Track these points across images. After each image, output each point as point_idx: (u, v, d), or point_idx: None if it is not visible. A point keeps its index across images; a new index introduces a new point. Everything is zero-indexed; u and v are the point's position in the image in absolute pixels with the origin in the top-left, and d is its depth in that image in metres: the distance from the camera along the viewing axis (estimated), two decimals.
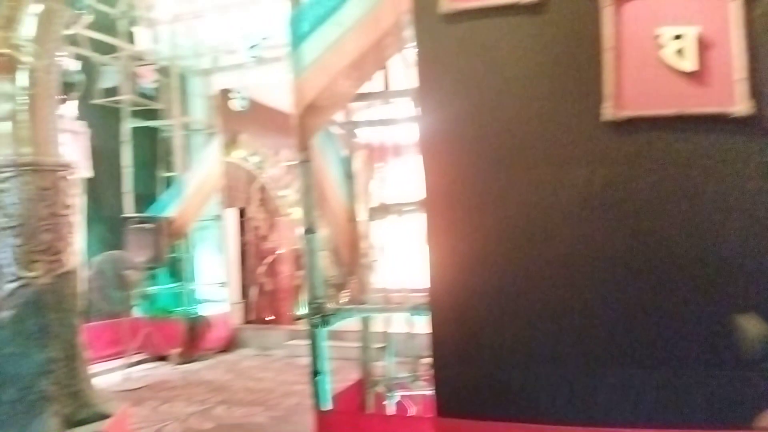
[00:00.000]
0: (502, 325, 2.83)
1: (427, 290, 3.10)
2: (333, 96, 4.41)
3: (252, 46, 7.95)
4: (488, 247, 2.90)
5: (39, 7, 4.59)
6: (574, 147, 2.73)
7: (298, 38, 4.36)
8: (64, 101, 5.31)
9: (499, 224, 2.88)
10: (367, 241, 4.96)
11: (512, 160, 2.85)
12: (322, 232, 4.93)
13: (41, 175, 4.64)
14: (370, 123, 5.05)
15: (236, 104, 8.87)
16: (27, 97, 4.57)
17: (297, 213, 12.39)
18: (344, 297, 5.22)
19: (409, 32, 4.07)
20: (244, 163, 11.01)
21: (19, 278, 4.51)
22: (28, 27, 4.46)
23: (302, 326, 9.11)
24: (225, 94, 9.50)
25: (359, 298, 4.89)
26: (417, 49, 3.13)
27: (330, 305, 4.23)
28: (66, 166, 4.84)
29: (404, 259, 5.30)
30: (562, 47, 2.77)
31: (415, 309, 3.50)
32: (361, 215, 5.00)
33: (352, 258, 4.98)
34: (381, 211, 4.86)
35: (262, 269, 11.19)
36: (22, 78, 4.49)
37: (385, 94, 4.89)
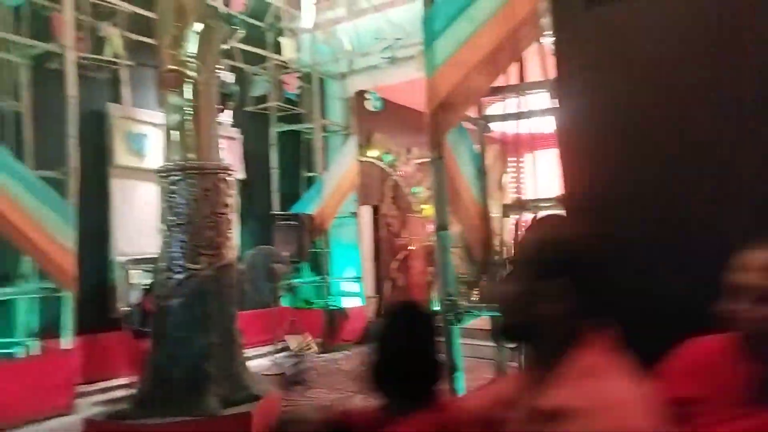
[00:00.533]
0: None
1: None
2: (466, 92, 4.37)
3: (386, 48, 8.15)
4: (632, 247, 2.69)
5: (200, 26, 5.14)
6: (719, 134, 2.43)
7: (431, 37, 4.38)
8: (222, 111, 5.87)
9: (642, 221, 2.65)
10: (500, 239, 4.86)
11: (656, 152, 2.60)
12: (455, 229, 4.93)
13: (205, 178, 5.19)
14: (504, 117, 4.92)
15: (371, 105, 9.15)
16: (192, 109, 5.14)
17: (429, 210, 12.51)
18: (477, 295, 5.16)
19: (546, 20, 3.90)
20: (377, 162, 11.32)
21: (186, 270, 5.10)
22: (191, 45, 5.02)
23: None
24: (361, 95, 9.84)
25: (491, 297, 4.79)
26: (555, 38, 2.97)
27: (463, 302, 4.22)
28: (225, 169, 5.37)
29: None
30: (709, 30, 2.48)
31: None
32: (495, 212, 4.91)
33: (485, 255, 4.90)
34: (515, 207, 4.73)
35: (394, 265, 11.45)
36: (188, 91, 5.06)
37: (520, 87, 4.74)
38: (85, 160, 6.56)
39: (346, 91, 10.14)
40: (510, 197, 5.11)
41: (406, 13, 8.56)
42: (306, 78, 9.47)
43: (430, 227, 12.51)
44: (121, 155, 7.52)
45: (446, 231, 4.31)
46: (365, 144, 10.89)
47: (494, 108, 5.05)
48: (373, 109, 9.40)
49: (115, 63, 7.06)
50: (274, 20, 9.36)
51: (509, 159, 5.85)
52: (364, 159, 10.71)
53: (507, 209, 4.70)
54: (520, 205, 4.68)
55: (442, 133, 4.55)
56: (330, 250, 10.12)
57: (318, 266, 9.92)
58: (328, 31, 8.97)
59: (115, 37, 6.89)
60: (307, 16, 7.71)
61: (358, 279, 10.26)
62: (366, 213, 11.02)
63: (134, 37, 7.24)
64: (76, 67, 6.41)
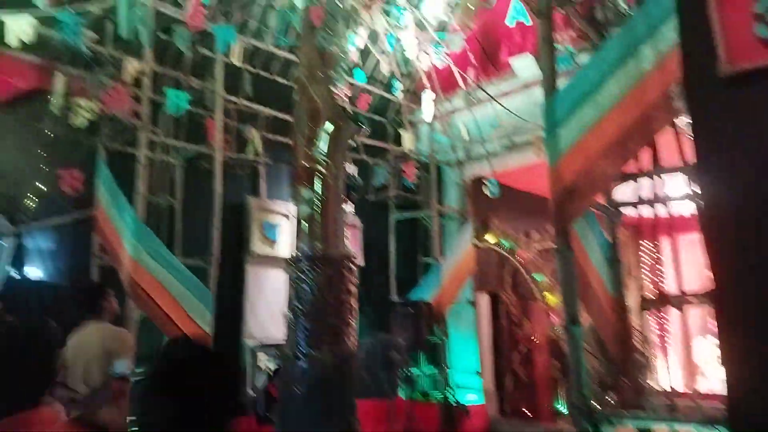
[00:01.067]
0: None
1: (722, 398, 2.57)
2: (593, 179, 4.21)
3: (503, 135, 8.23)
4: None
5: (330, 126, 5.57)
6: None
7: (552, 124, 4.34)
8: (346, 201, 6.17)
9: None
10: (639, 335, 4.44)
11: None
12: (586, 324, 4.58)
13: (330, 266, 5.38)
14: (637, 203, 4.64)
15: (488, 191, 9.14)
16: (320, 201, 5.47)
17: (552, 298, 11.87)
18: (613, 398, 4.68)
19: (680, 102, 3.72)
20: (495, 247, 11.10)
21: (310, 357, 5.19)
22: (322, 144, 5.42)
23: (564, 426, 8.40)
24: (478, 182, 9.89)
25: (633, 402, 4.32)
26: (691, 120, 2.80)
27: (598, 407, 3.83)
28: (349, 258, 5.55)
29: (689, 358, 4.56)
30: None
31: (708, 421, 2.94)
32: (631, 305, 4.53)
33: (622, 354, 4.49)
34: (656, 301, 4.33)
35: (516, 357, 10.84)
36: (318, 185, 5.42)
37: (653, 171, 4.49)
38: (225, 248, 7.14)
39: (463, 178, 10.26)
40: (646, 287, 4.70)
41: (523, 100, 8.67)
42: (424, 167, 9.76)
43: (554, 317, 11.83)
44: (256, 244, 8.10)
45: (577, 325, 4.03)
46: (482, 229, 10.79)
47: (625, 191, 4.79)
48: (490, 195, 9.36)
49: (254, 161, 7.79)
50: (394, 115, 9.91)
51: (644, 245, 5.46)
52: (481, 244, 10.58)
53: (646, 303, 4.32)
54: (662, 300, 4.28)
55: (568, 222, 4.38)
56: (447, 340, 9.86)
57: (435, 356, 9.66)
58: (446, 121, 9.28)
59: (255, 137, 7.66)
60: (426, 110, 8.08)
61: (476, 372, 9.82)
62: (484, 301, 10.71)
63: (271, 136, 7.99)
64: (223, 165, 7.17)
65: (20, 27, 4.92)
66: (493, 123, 8.38)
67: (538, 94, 8.28)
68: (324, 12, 5.21)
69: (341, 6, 5.41)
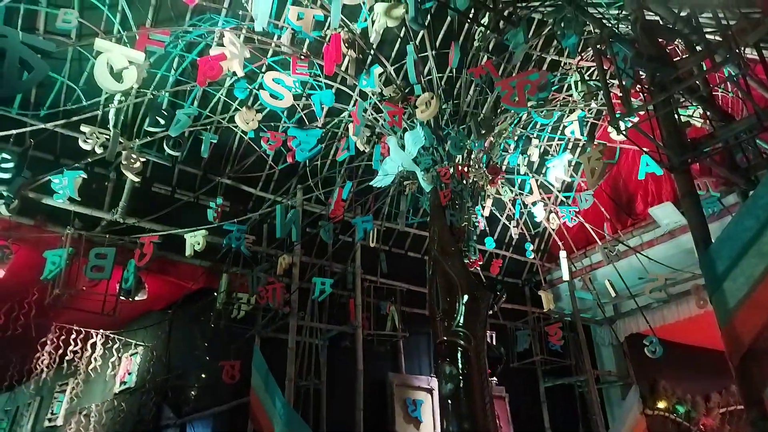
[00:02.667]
0: None
1: None
2: None
3: (654, 288, 7.60)
4: None
5: (464, 297, 5.54)
6: None
7: (715, 281, 3.93)
8: (492, 375, 5.88)
9: None
10: None
11: None
12: None
13: None
14: None
15: (649, 350, 8.23)
16: (464, 377, 5.25)
17: None
18: None
19: None
20: (669, 415, 9.64)
21: None
22: (461, 317, 5.37)
23: None
24: (635, 339, 9.00)
25: None
26: None
27: None
28: None
29: None
30: None
31: None
32: None
33: None
34: None
35: None
36: (460, 360, 5.25)
37: None
38: (368, 428, 6.95)
39: (617, 337, 9.41)
40: None
41: (670, 249, 8.09)
42: (569, 327, 9.15)
43: None
44: (401, 424, 7.80)
45: None
46: (650, 394, 9.51)
47: None
48: (652, 355, 8.40)
49: (394, 335, 7.86)
50: (530, 276, 9.70)
51: None
52: (651, 412, 9.26)
53: None
54: None
55: (758, 389, 3.72)
56: None
57: None
58: (588, 277, 8.84)
59: (393, 312, 7.82)
60: (563, 269, 7.82)
61: None
62: None
63: (408, 310, 8.11)
64: (363, 342, 7.31)
65: (195, 240, 5.79)
66: (642, 275, 7.83)
67: (685, 240, 7.75)
68: (450, 192, 5.51)
69: (466, 184, 5.70)
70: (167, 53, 5.03)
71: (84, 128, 5.30)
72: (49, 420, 10.35)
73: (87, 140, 5.22)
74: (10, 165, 5.12)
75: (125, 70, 3.84)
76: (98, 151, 5.24)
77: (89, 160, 5.44)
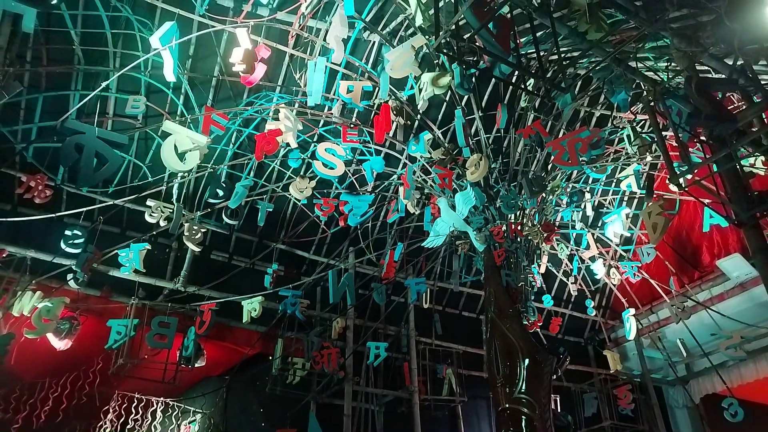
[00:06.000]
0: None
1: None
2: None
3: (730, 345, 7.09)
4: None
5: (525, 361, 5.33)
6: None
7: None
8: None
9: None
10: None
11: None
12: None
13: None
14: None
15: (728, 412, 7.62)
16: None
17: None
18: None
19: None
20: None
21: None
22: (522, 382, 5.14)
23: None
24: (712, 401, 8.37)
25: None
26: None
27: None
28: None
29: None
30: None
31: None
32: None
33: None
34: None
35: None
36: (525, 430, 4.99)
37: None
38: None
39: (692, 398, 8.77)
40: None
41: (742, 303, 7.59)
42: (639, 389, 8.61)
43: None
44: None
45: None
46: None
47: None
48: (731, 418, 7.75)
49: (451, 399, 7.60)
50: (591, 334, 9.29)
51: None
52: None
53: None
54: None
55: None
56: None
57: None
58: (655, 335, 8.37)
59: (450, 375, 7.59)
60: (629, 326, 7.42)
61: None
62: None
63: (465, 372, 7.86)
64: (420, 407, 7.09)
65: (252, 306, 5.89)
66: (714, 331, 7.36)
67: (759, 293, 7.25)
68: (504, 251, 5.43)
69: (521, 243, 5.61)
70: (226, 128, 5.29)
71: (149, 202, 5.57)
72: None
73: (152, 214, 5.48)
74: (80, 240, 5.42)
75: (190, 151, 4.06)
76: (162, 223, 5.48)
77: (154, 232, 5.68)
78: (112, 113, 6.00)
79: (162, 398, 8.77)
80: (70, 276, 5.60)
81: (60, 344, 5.76)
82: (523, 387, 5.06)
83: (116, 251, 5.59)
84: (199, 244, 5.73)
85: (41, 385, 7.67)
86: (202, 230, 5.61)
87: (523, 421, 4.98)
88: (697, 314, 7.41)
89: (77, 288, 5.98)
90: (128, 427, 8.89)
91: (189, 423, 9.02)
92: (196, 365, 6.38)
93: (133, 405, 8.59)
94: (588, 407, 8.48)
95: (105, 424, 8.54)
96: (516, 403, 5.05)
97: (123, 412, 8.55)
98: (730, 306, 7.43)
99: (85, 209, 5.79)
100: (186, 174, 5.68)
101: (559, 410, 7.44)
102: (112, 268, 6.14)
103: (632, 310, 7.47)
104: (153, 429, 8.72)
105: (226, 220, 5.94)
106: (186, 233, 5.52)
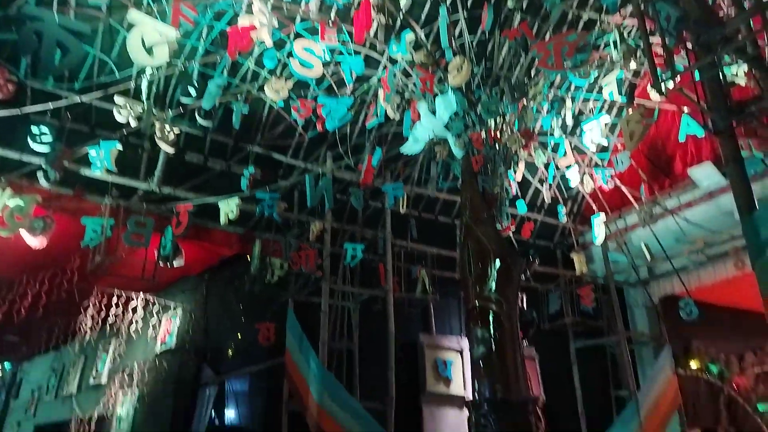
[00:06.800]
0: None
1: None
2: None
3: (692, 249, 7.45)
4: None
5: (497, 263, 5.53)
6: None
7: (758, 247, 3.85)
8: (523, 339, 5.91)
9: None
10: None
11: None
12: None
13: (512, 412, 5.07)
14: None
15: (683, 311, 8.15)
16: (496, 341, 5.30)
17: None
18: None
19: None
20: (702, 375, 9.62)
21: None
22: (492, 282, 5.38)
23: None
24: (669, 301, 8.91)
25: None
26: None
27: None
28: (535, 401, 5.19)
29: None
30: None
31: None
32: None
33: None
34: None
35: None
36: (492, 325, 5.29)
37: None
38: (401, 388, 7.13)
39: (651, 299, 9.31)
40: None
41: (709, 210, 7.88)
42: (602, 289, 9.09)
43: None
44: (431, 382, 7.97)
45: None
46: (683, 355, 9.49)
47: None
48: (687, 317, 8.32)
49: (424, 298, 7.95)
50: (562, 239, 9.60)
51: None
52: (684, 372, 9.24)
53: None
54: None
55: None
56: None
57: None
58: (622, 239, 8.70)
59: (424, 276, 7.88)
60: (597, 232, 7.67)
61: None
62: None
63: (439, 273, 8.16)
64: (395, 305, 7.42)
65: (229, 208, 5.89)
66: (679, 237, 7.67)
67: (725, 202, 7.51)
68: (482, 158, 5.44)
69: (499, 149, 5.61)
70: (196, 22, 4.98)
71: (118, 100, 5.35)
72: (94, 378, 10.89)
73: (121, 112, 5.28)
74: (48, 137, 5.24)
75: (157, 44, 3.83)
76: (132, 123, 5.30)
77: (124, 131, 5.51)
78: (74, 3, 5.57)
79: (142, 294, 8.98)
80: (40, 174, 5.48)
81: (35, 242, 5.73)
82: (493, 286, 5.30)
83: (86, 150, 5.44)
84: (172, 145, 5.60)
85: (19, 282, 7.75)
86: (175, 131, 5.45)
87: (491, 317, 5.27)
88: (663, 221, 7.68)
89: (48, 186, 5.87)
90: (109, 321, 9.16)
91: (170, 318, 9.32)
92: (175, 264, 6.46)
93: (113, 301, 8.80)
94: (552, 305, 8.98)
95: (85, 318, 8.77)
96: (485, 300, 5.31)
97: (103, 307, 8.77)
98: (696, 213, 7.71)
99: (51, 105, 5.54)
100: (155, 71, 5.40)
101: (525, 308, 7.84)
102: (83, 167, 6.00)
103: (602, 216, 7.67)
104: (134, 323, 9.00)
105: (199, 120, 5.78)
106: (158, 133, 5.36)
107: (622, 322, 9.05)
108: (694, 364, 9.58)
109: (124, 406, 9.72)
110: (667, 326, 9.05)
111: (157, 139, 5.43)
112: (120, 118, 5.36)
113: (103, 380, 10.53)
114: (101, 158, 5.42)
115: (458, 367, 8.23)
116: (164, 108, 5.82)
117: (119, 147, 5.49)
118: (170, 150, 5.56)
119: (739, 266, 6.83)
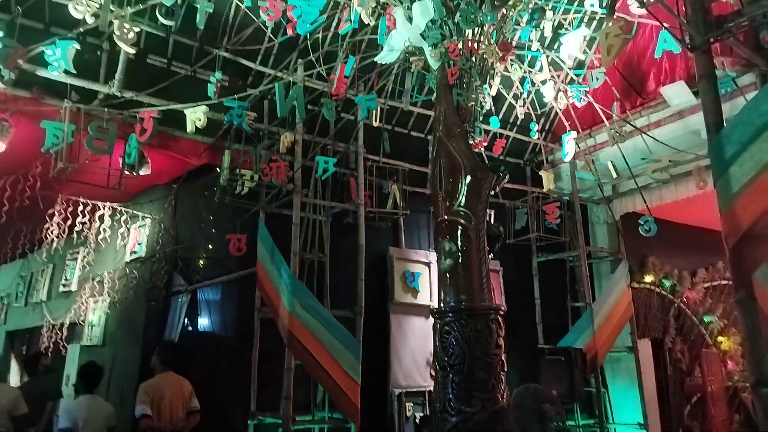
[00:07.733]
0: None
1: None
2: None
3: (656, 168, 7.61)
4: None
5: (467, 178, 5.57)
6: None
7: (722, 165, 3.94)
8: (490, 252, 6.09)
9: None
10: None
11: None
12: None
13: (476, 319, 5.31)
14: None
15: (642, 228, 8.48)
16: (463, 254, 5.45)
17: (726, 343, 10.52)
18: None
19: None
20: (655, 288, 10.19)
21: (461, 413, 5.10)
22: (462, 197, 5.44)
23: None
24: (629, 218, 9.23)
25: None
26: None
27: None
28: (497, 310, 5.44)
29: None
30: None
31: None
32: None
33: None
34: None
35: (686, 410, 9.72)
36: (460, 238, 5.42)
37: None
38: (370, 298, 7.38)
39: (613, 215, 9.62)
40: None
41: (677, 129, 8.00)
42: (568, 206, 9.33)
43: (732, 364, 10.45)
44: (399, 293, 8.26)
45: None
46: (639, 269, 9.98)
47: None
48: (645, 233, 8.65)
49: (395, 213, 8.05)
50: (532, 156, 9.69)
51: None
52: (638, 285, 9.77)
53: None
54: None
55: (748, 271, 3.90)
56: (605, 391, 9.13)
57: (592, 409, 8.98)
58: (590, 158, 8.83)
59: (395, 191, 7.92)
60: (567, 149, 7.74)
61: (641, 426, 8.93)
62: (646, 348, 9.78)
63: (410, 188, 8.21)
64: (365, 219, 7.50)
65: (196, 116, 5.69)
66: (646, 156, 7.80)
67: (693, 122, 7.62)
68: (458, 70, 5.31)
69: (475, 62, 5.47)
70: None
71: None
72: (64, 285, 10.90)
73: (77, 7, 4.91)
74: None
75: None
76: (89, 20, 4.95)
77: (81, 29, 5.15)
78: None
79: (109, 203, 8.82)
80: None
81: None
82: (463, 201, 5.36)
83: (42, 48, 5.10)
84: (133, 45, 5.29)
85: None
86: (135, 29, 5.12)
87: (459, 231, 5.37)
88: (632, 140, 7.77)
89: (3, 87, 5.55)
90: (76, 229, 9.04)
91: (139, 227, 9.25)
92: (141, 173, 6.31)
93: (80, 209, 8.64)
94: (518, 221, 9.23)
95: (51, 226, 8.63)
96: (454, 215, 5.39)
97: (69, 215, 8.61)
98: (664, 132, 7.82)
99: None
100: None
101: (493, 223, 8.02)
102: (40, 68, 5.65)
103: (573, 133, 7.72)
104: (102, 232, 8.91)
105: (161, 19, 5.44)
106: (117, 32, 5.03)
107: (584, 238, 9.40)
108: (648, 279, 10.09)
109: (95, 312, 9.83)
110: (625, 242, 9.43)
111: (116, 39, 5.11)
112: (76, 14, 4.99)
113: (74, 287, 10.55)
114: (58, 58, 5.11)
115: (426, 279, 8.51)
116: (123, 5, 5.44)
117: (77, 46, 5.16)
118: (131, 51, 5.26)
119: (701, 185, 7.01)
